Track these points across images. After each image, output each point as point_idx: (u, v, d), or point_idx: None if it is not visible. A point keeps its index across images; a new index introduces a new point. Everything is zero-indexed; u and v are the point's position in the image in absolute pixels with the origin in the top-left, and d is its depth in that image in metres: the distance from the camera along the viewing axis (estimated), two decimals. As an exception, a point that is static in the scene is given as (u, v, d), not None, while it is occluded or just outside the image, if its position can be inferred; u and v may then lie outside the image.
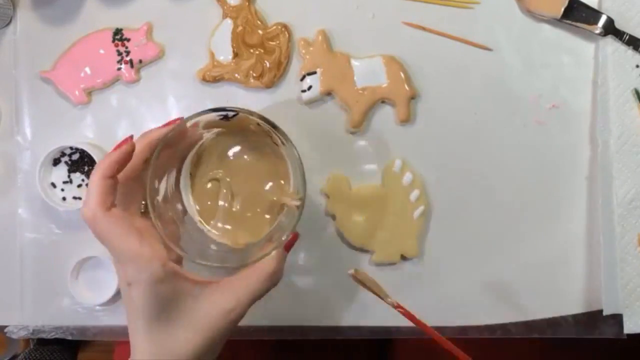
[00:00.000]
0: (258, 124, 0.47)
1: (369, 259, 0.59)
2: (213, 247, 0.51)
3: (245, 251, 0.51)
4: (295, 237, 0.50)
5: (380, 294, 0.49)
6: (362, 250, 0.59)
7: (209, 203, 0.51)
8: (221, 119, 0.48)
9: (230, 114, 0.47)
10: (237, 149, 0.51)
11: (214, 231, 0.51)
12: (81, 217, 0.45)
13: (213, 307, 0.46)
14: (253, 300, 0.46)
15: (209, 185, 0.52)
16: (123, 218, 0.45)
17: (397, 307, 0.49)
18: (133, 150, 0.46)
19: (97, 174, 0.44)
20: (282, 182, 0.51)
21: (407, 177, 0.58)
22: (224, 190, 0.51)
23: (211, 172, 0.51)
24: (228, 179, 0.51)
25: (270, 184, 0.52)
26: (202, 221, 0.52)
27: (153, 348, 0.45)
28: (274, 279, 0.48)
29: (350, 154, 0.59)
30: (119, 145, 0.46)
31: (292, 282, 0.52)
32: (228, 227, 0.51)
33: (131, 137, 0.47)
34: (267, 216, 0.51)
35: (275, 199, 0.51)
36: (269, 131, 0.47)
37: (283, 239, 0.47)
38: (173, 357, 0.44)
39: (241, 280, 0.47)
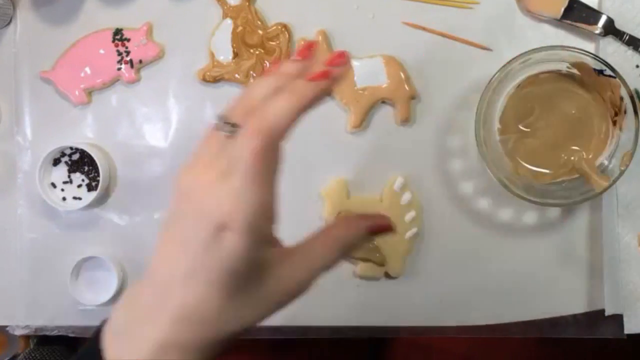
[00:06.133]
0: (621, 98, 0.50)
1: (353, 271, 0.59)
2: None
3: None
4: (385, 227, 0.41)
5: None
6: (348, 260, 0.59)
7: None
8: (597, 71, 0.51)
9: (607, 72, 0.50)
10: (567, 98, 0.54)
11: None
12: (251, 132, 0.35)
13: (285, 282, 0.38)
14: (324, 271, 0.39)
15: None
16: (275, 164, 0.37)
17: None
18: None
19: (293, 99, 0.36)
20: (591, 155, 0.54)
21: (406, 196, 0.58)
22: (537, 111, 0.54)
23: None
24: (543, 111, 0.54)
25: (576, 147, 0.54)
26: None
27: (212, 314, 0.35)
28: (346, 251, 0.40)
29: (350, 154, 0.59)
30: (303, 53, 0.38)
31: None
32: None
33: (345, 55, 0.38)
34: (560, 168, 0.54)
35: (572, 158, 0.54)
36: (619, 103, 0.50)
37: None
38: (230, 327, 0.37)
39: (313, 250, 0.39)
